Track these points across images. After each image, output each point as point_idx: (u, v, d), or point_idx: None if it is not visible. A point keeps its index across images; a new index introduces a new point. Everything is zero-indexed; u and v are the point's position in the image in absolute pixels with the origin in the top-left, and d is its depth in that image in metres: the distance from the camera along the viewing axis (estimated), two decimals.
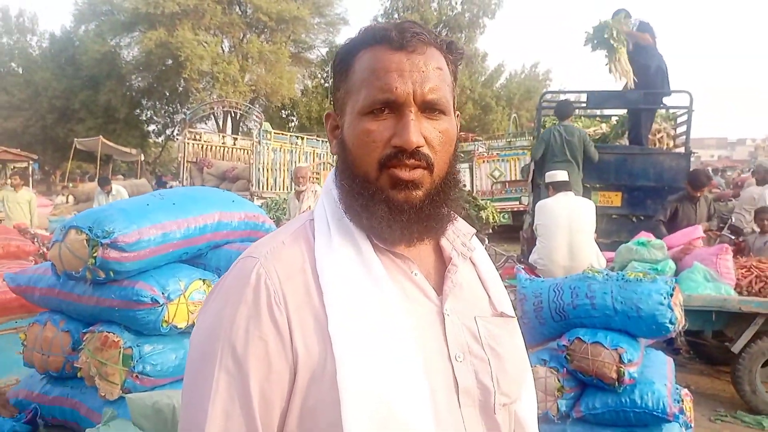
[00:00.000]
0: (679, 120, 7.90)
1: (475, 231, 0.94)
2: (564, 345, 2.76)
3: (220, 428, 0.74)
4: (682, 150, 7.09)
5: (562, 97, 8.49)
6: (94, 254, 2.20)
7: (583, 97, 7.98)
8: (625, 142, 7.89)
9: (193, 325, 2.53)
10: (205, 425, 0.74)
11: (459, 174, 0.88)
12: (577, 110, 9.06)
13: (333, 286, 0.77)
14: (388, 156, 0.79)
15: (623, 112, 8.32)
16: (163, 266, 2.43)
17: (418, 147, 0.79)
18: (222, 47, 27.87)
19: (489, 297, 0.92)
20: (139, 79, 28.73)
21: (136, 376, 2.12)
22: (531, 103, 28.12)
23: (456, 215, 0.88)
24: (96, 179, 13.81)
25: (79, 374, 2.22)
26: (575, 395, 2.72)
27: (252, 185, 12.30)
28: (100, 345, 2.16)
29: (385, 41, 0.81)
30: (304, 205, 6.37)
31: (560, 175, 5.42)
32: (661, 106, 7.50)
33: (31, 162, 18.00)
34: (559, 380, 2.68)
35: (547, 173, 5.63)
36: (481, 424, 0.82)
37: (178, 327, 2.26)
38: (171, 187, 14.01)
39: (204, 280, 2.45)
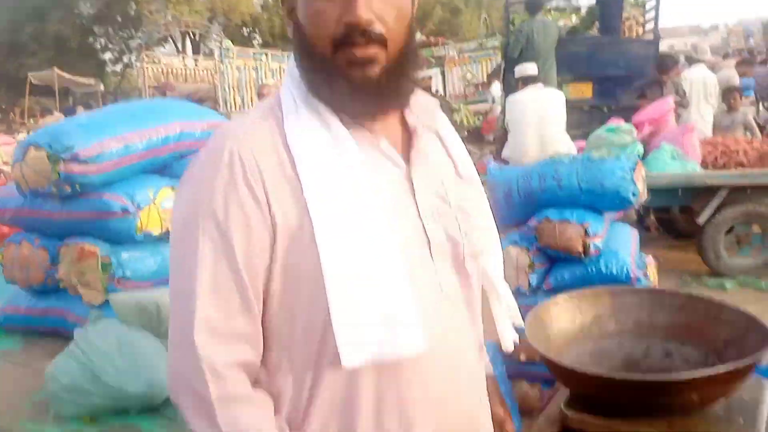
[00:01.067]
0: (647, 7, 7.75)
1: (439, 102, 0.96)
2: (533, 225, 2.86)
3: (210, 289, 0.77)
4: (651, 37, 7.02)
5: None
6: (57, 170, 2.19)
7: None
8: (595, 33, 7.76)
9: (167, 231, 2.58)
10: (195, 289, 0.76)
11: (417, 47, 0.88)
12: (545, 4, 8.81)
13: (305, 156, 0.79)
14: (341, 36, 0.78)
15: (592, 2, 8.11)
16: (130, 178, 2.42)
17: (370, 24, 0.78)
18: None
19: (454, 163, 0.95)
20: (88, 5, 26.92)
21: (118, 280, 2.17)
22: (501, 1, 27.10)
23: (417, 88, 0.88)
24: (58, 111, 13.29)
25: (61, 285, 2.26)
26: (545, 270, 2.86)
27: (219, 106, 11.97)
28: (77, 256, 2.20)
29: None
30: None
31: (530, 68, 5.35)
32: None
33: None
34: (529, 257, 2.80)
35: (516, 68, 5.56)
36: (454, 274, 0.88)
37: (153, 234, 2.29)
38: None
39: (174, 188, 2.46)
